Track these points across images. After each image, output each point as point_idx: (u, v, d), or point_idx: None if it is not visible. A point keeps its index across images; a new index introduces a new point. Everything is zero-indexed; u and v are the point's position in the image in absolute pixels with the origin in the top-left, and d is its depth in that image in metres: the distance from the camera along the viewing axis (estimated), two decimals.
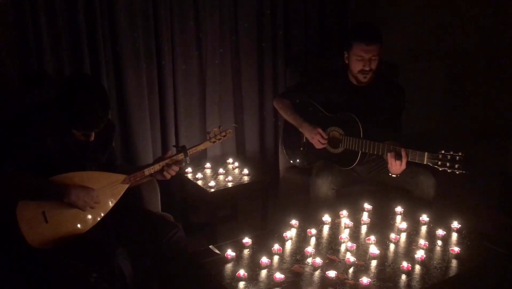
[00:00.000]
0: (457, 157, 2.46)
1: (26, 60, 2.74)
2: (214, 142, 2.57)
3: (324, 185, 2.82)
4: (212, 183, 3.08)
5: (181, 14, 3.25)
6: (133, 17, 3.03)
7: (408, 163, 2.83)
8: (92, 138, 2.21)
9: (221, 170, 3.30)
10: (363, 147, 2.77)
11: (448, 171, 2.49)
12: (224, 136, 2.59)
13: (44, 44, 2.75)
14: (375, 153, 2.73)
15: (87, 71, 2.90)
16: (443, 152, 2.50)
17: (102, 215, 2.23)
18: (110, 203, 2.26)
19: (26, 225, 2.05)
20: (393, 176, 2.73)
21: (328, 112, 3.00)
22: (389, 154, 2.65)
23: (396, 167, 2.64)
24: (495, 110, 3.65)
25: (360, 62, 2.82)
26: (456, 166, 2.46)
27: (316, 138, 2.93)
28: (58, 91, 2.12)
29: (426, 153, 2.55)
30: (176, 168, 2.40)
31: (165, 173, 2.38)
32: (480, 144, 3.55)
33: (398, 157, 2.62)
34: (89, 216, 2.20)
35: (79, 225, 2.18)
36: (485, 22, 3.40)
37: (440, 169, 2.51)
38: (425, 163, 2.55)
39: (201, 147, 2.54)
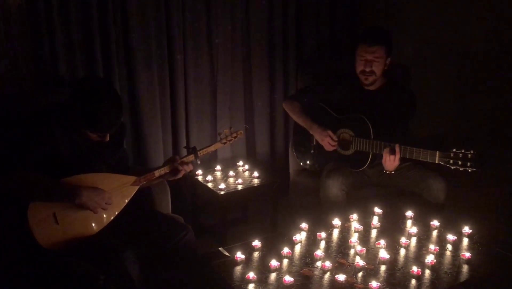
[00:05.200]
0: (469, 155, 2.45)
1: (41, 63, 2.76)
2: (225, 143, 2.57)
3: (334, 186, 2.82)
4: (222, 185, 3.09)
5: (194, 18, 3.26)
6: (146, 20, 3.05)
7: (418, 167, 2.82)
8: (108, 139, 2.22)
9: (231, 173, 3.31)
10: (373, 147, 2.77)
11: (460, 169, 2.48)
12: (235, 137, 2.60)
13: (58, 47, 2.78)
14: None
15: (99, 73, 2.92)
16: (454, 150, 2.49)
17: (113, 217, 2.25)
18: (120, 204, 2.27)
19: (37, 226, 2.07)
20: (387, 172, 2.76)
21: (338, 114, 2.99)
22: (385, 150, 2.67)
23: (389, 162, 2.67)
24: (509, 114, 3.60)
25: (362, 63, 2.83)
26: (468, 163, 2.45)
27: (326, 140, 2.93)
28: (72, 93, 2.14)
29: (437, 152, 2.54)
30: (187, 167, 2.41)
31: (179, 169, 2.38)
32: (494, 147, 3.51)
33: (392, 152, 2.65)
34: (99, 219, 2.21)
35: (92, 225, 2.19)
36: (497, 24, 3.37)
37: (452, 168, 2.50)
38: (436, 162, 2.54)
39: (212, 148, 2.54)
